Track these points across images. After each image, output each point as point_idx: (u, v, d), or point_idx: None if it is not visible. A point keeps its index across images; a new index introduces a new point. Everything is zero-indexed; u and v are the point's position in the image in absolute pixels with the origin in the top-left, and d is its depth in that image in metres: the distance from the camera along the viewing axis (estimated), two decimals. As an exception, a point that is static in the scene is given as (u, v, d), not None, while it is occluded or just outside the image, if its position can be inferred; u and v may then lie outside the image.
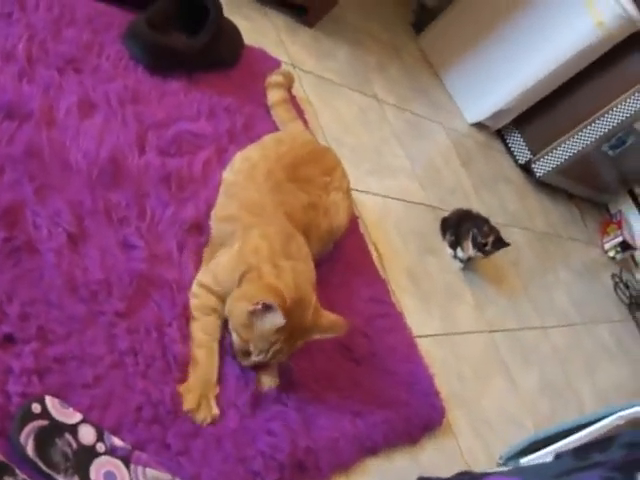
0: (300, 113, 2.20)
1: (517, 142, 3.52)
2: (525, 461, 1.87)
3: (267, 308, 1.35)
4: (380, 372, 1.78)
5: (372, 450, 1.62)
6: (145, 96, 1.74)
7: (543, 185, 3.62)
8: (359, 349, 1.76)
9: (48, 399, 1.12)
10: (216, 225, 1.61)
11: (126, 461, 1.16)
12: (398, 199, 2.47)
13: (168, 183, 1.61)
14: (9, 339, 1.16)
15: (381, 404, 1.69)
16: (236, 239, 1.51)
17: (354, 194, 2.07)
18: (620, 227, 3.85)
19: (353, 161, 2.32)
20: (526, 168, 3.55)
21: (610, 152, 3.43)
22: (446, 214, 2.60)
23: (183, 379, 1.36)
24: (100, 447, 1.14)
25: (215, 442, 1.32)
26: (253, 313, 1.38)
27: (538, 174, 3.47)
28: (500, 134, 3.59)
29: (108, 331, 1.30)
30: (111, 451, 1.15)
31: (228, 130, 1.87)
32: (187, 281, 1.49)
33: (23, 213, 1.32)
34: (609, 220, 4.02)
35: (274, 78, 2.12)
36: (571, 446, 1.72)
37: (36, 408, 1.10)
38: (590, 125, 3.27)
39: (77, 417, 1.15)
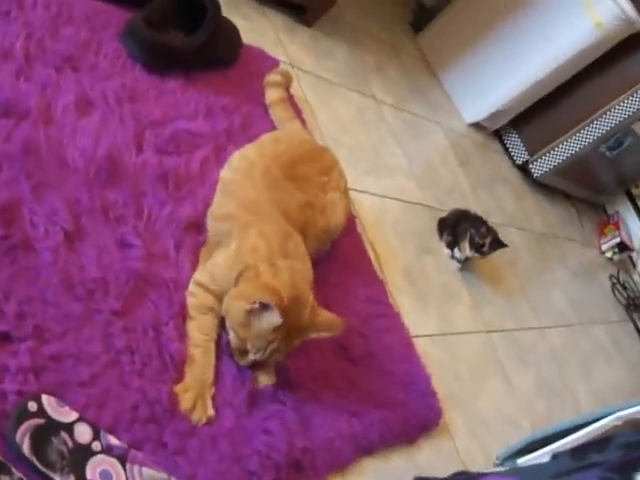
0: (298, 112, 2.20)
1: (515, 143, 3.52)
2: (522, 461, 1.87)
3: (264, 307, 1.35)
4: (377, 372, 1.78)
5: (369, 450, 1.62)
6: (143, 95, 1.74)
7: (540, 186, 3.62)
8: (356, 349, 1.76)
9: (44, 397, 1.12)
10: (213, 224, 1.61)
11: (122, 460, 1.16)
12: (396, 199, 2.47)
13: (165, 182, 1.61)
14: (5, 337, 1.16)
15: (378, 404, 1.69)
16: (233, 238, 1.51)
17: (351, 194, 2.07)
18: (617, 228, 3.85)
19: (351, 161, 2.32)
20: (523, 169, 3.54)
21: (608, 153, 3.43)
22: (443, 214, 2.60)
23: (179, 378, 1.35)
24: (96, 446, 1.14)
25: (211, 441, 1.32)
26: (250, 312, 1.38)
27: (535, 175, 3.46)
28: (498, 134, 3.58)
29: (104, 330, 1.29)
30: (107, 450, 1.15)
31: (226, 129, 1.86)
32: (184, 280, 1.48)
33: (20, 211, 1.31)
34: (606, 221, 4.01)
35: (272, 77, 2.12)
36: (568, 446, 1.72)
37: (32, 406, 1.10)
38: (588, 126, 3.27)
39: (73, 416, 1.14)
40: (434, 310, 2.24)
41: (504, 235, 2.56)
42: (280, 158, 1.72)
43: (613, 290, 3.63)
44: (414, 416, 1.76)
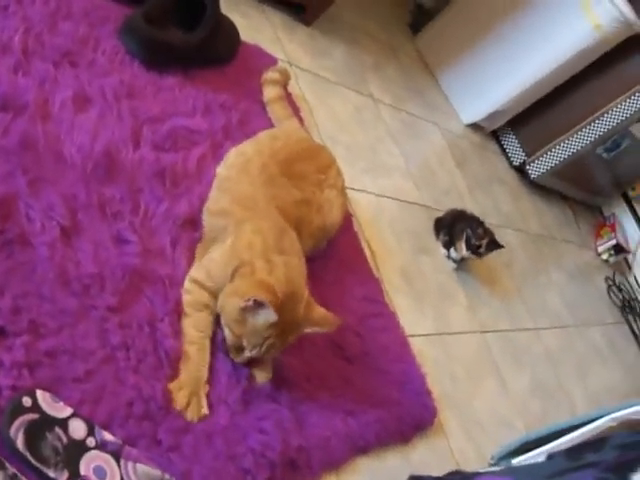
0: (296, 110, 2.20)
1: (512, 143, 3.52)
2: (517, 461, 1.87)
3: (259, 304, 1.35)
4: (372, 371, 1.78)
5: (364, 449, 1.62)
6: (141, 91, 1.74)
7: (537, 187, 3.62)
8: (351, 348, 1.76)
9: (39, 393, 1.12)
10: (208, 219, 1.60)
11: (116, 456, 1.16)
12: (392, 198, 2.47)
13: (162, 178, 1.61)
14: (0, 332, 1.16)
15: (373, 403, 1.68)
16: (229, 234, 1.51)
17: (348, 192, 2.07)
18: (614, 230, 3.85)
19: (348, 159, 2.32)
20: (520, 170, 3.55)
21: (605, 155, 3.44)
22: (440, 214, 2.60)
23: (174, 375, 1.35)
24: (90, 442, 1.14)
25: (206, 439, 1.32)
26: (245, 309, 1.38)
27: (532, 176, 3.46)
28: (495, 135, 3.59)
29: (100, 325, 1.29)
30: (101, 446, 1.15)
31: (223, 126, 1.86)
32: (180, 277, 1.48)
33: (16, 206, 1.31)
34: (603, 223, 4.02)
35: (270, 75, 2.11)
36: (563, 447, 1.72)
37: (27, 402, 1.09)
38: (585, 128, 3.27)
39: (68, 411, 1.14)
40: (430, 310, 2.24)
41: (500, 236, 2.56)
42: (277, 155, 1.72)
43: (609, 292, 3.63)
44: (409, 415, 1.76)
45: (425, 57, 3.43)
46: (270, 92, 2.08)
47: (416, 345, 1.99)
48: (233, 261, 1.45)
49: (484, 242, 2.43)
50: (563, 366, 2.76)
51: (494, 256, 2.54)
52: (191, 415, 1.32)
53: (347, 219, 2.02)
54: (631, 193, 4.04)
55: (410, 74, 3.22)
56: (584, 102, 3.25)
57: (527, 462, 1.82)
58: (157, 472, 1.19)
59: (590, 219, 4.06)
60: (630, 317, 3.59)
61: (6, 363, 1.13)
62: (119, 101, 1.65)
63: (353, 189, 2.24)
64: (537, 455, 1.79)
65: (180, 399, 1.32)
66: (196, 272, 1.49)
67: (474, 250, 2.43)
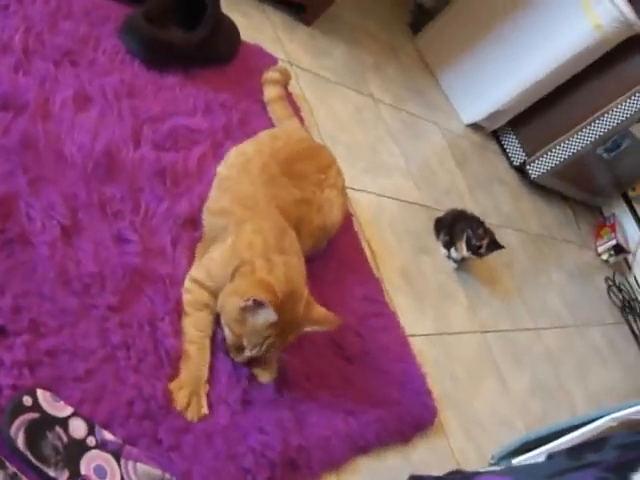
0: (296, 110, 2.19)
1: (512, 143, 3.52)
2: (517, 461, 1.87)
3: (258, 304, 1.35)
4: (373, 371, 1.78)
5: (364, 449, 1.62)
6: (141, 90, 1.74)
7: (537, 187, 3.62)
8: (352, 347, 1.76)
9: (39, 392, 1.12)
10: (208, 219, 1.60)
11: (117, 455, 1.16)
12: (393, 198, 2.47)
13: (163, 178, 1.61)
14: (1, 331, 1.16)
15: (373, 403, 1.68)
16: (229, 233, 1.51)
17: (349, 192, 2.07)
18: (614, 230, 3.85)
19: (348, 159, 2.32)
20: (521, 170, 3.54)
21: (605, 155, 3.44)
22: (440, 214, 2.60)
23: (175, 374, 1.35)
24: (91, 441, 1.14)
25: (206, 438, 1.32)
26: (244, 309, 1.37)
27: (533, 176, 3.46)
28: (495, 135, 3.58)
29: (100, 325, 1.29)
30: (102, 445, 1.15)
31: (224, 126, 1.86)
32: (180, 276, 1.48)
33: (17, 205, 1.31)
34: (603, 223, 4.02)
35: (271, 74, 2.11)
36: (564, 446, 1.72)
37: (27, 401, 1.09)
38: (586, 128, 3.27)
39: (68, 410, 1.14)
40: (430, 310, 2.24)
41: (501, 236, 2.56)
42: (277, 155, 1.72)
43: (609, 292, 3.63)
44: (409, 415, 1.76)
45: (425, 57, 3.43)
46: (271, 92, 2.08)
47: (416, 345, 1.99)
48: (233, 260, 1.45)
49: (484, 242, 2.43)
50: (563, 366, 2.76)
51: (494, 256, 2.54)
52: (191, 415, 1.32)
53: (347, 219, 2.02)
54: (631, 193, 4.04)
55: (410, 74, 3.22)
56: (584, 102, 3.25)
57: (527, 462, 1.82)
58: (157, 471, 1.19)
59: (590, 219, 4.06)
60: (630, 317, 3.59)
61: (7, 362, 1.13)
62: (120, 100, 1.65)
63: (353, 189, 2.24)
64: (537, 455, 1.79)
65: (180, 399, 1.32)
66: (196, 271, 1.49)
67: (474, 250, 2.43)
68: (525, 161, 3.47)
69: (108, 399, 1.22)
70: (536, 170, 3.44)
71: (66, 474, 1.08)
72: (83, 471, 1.10)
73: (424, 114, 3.11)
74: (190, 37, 1.87)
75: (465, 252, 2.43)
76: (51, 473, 1.07)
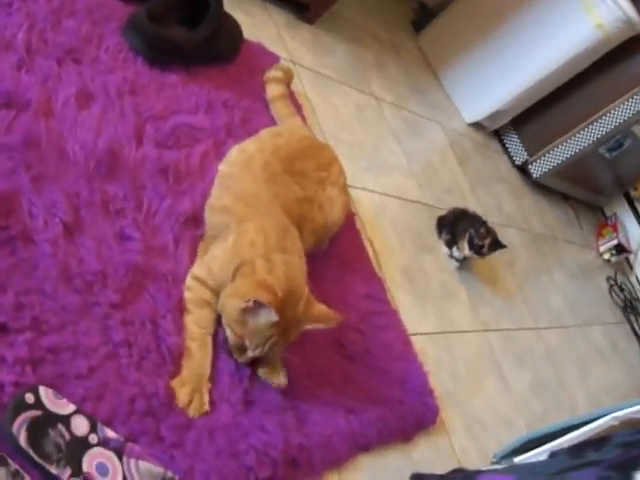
0: (298, 109, 2.19)
1: (514, 143, 3.52)
2: (519, 460, 1.87)
3: (259, 305, 1.35)
4: (374, 369, 1.78)
5: (365, 447, 1.62)
6: (143, 88, 1.74)
7: (539, 186, 3.62)
8: (353, 346, 1.76)
9: (42, 389, 1.12)
10: (210, 216, 1.60)
11: (119, 453, 1.16)
12: (394, 197, 2.47)
13: (165, 175, 1.61)
14: (3, 329, 1.16)
15: (375, 401, 1.69)
16: (231, 231, 1.51)
17: (350, 190, 2.07)
18: (615, 230, 3.85)
19: (350, 158, 2.32)
20: (523, 169, 3.54)
21: (607, 155, 3.43)
22: (442, 213, 2.60)
23: (177, 372, 1.35)
24: (93, 438, 1.14)
25: (208, 436, 1.32)
26: (245, 310, 1.37)
27: (534, 175, 3.46)
28: (497, 134, 3.58)
29: (102, 322, 1.29)
30: (104, 443, 1.15)
31: (226, 124, 1.86)
32: (182, 274, 1.48)
33: (19, 202, 1.31)
34: (604, 223, 4.01)
35: (273, 73, 2.11)
36: (566, 445, 1.72)
37: (29, 398, 1.09)
38: (588, 127, 3.27)
39: (70, 408, 1.14)
40: (432, 308, 2.24)
41: (502, 235, 2.56)
42: (279, 153, 1.72)
43: (610, 292, 3.63)
44: (411, 414, 1.76)
45: (428, 55, 3.42)
46: (273, 90, 2.08)
47: (418, 343, 1.99)
48: (235, 259, 1.45)
49: (487, 242, 2.43)
50: (565, 365, 2.75)
51: (496, 255, 2.54)
52: (193, 412, 1.32)
53: (349, 217, 2.02)
54: (633, 193, 4.04)
55: (412, 72, 3.22)
56: (586, 102, 3.25)
57: (529, 460, 1.82)
58: (159, 469, 1.19)
59: (592, 219, 4.06)
60: (632, 317, 3.59)
61: (9, 359, 1.13)
62: (122, 98, 1.65)
63: (355, 187, 2.24)
64: (539, 454, 1.79)
65: (182, 396, 1.32)
66: (198, 269, 1.49)
67: (477, 250, 2.42)
68: (527, 160, 3.47)
69: (110, 396, 1.22)
70: (538, 169, 3.44)
71: (68, 471, 1.08)
72: (85, 468, 1.10)
73: (426, 113, 3.11)
74: (193, 35, 1.87)
75: (467, 251, 2.43)
76: (53, 470, 1.07)
